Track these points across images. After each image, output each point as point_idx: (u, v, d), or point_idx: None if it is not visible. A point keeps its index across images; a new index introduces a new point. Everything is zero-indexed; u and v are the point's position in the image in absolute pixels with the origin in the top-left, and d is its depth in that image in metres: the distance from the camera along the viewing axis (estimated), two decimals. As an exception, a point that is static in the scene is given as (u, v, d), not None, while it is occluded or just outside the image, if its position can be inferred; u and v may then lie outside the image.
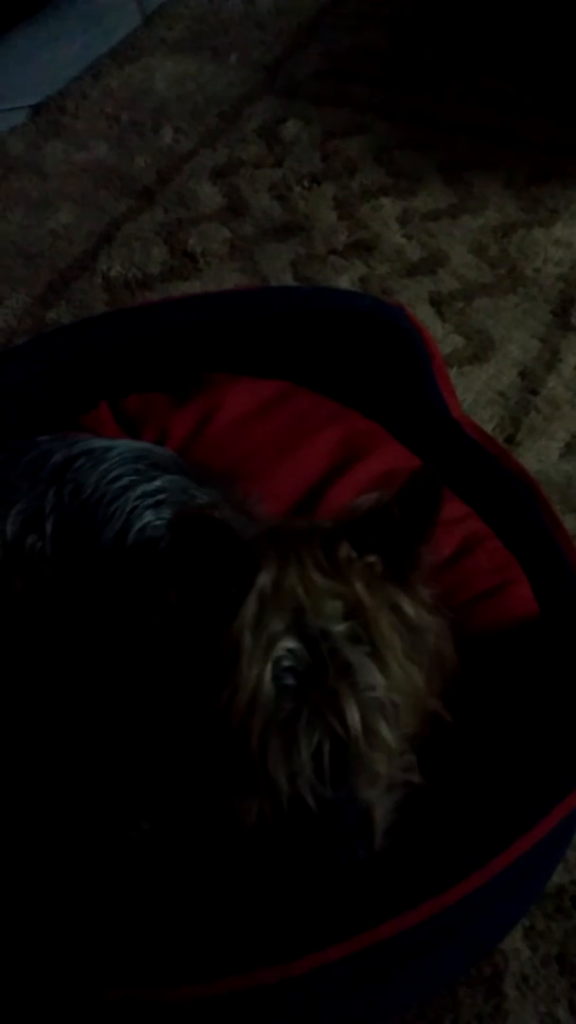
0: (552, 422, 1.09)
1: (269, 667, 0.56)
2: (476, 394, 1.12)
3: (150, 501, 0.73)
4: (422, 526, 0.59)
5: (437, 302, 1.22)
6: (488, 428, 1.06)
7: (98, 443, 0.79)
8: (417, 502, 0.59)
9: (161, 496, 0.73)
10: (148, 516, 0.72)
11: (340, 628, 0.58)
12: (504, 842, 0.63)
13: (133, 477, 0.75)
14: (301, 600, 0.58)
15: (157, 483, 0.74)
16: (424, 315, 1.18)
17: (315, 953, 0.60)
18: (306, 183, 1.39)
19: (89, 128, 1.50)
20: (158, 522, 0.71)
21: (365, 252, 1.29)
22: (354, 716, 0.56)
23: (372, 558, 0.59)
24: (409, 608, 0.60)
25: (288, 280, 1.26)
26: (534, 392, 1.12)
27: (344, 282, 1.25)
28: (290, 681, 0.57)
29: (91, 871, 0.67)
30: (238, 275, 1.27)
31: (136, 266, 1.29)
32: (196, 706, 0.58)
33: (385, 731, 0.58)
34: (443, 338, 1.16)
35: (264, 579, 0.58)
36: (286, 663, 0.57)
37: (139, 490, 0.74)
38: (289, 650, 0.57)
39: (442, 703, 0.62)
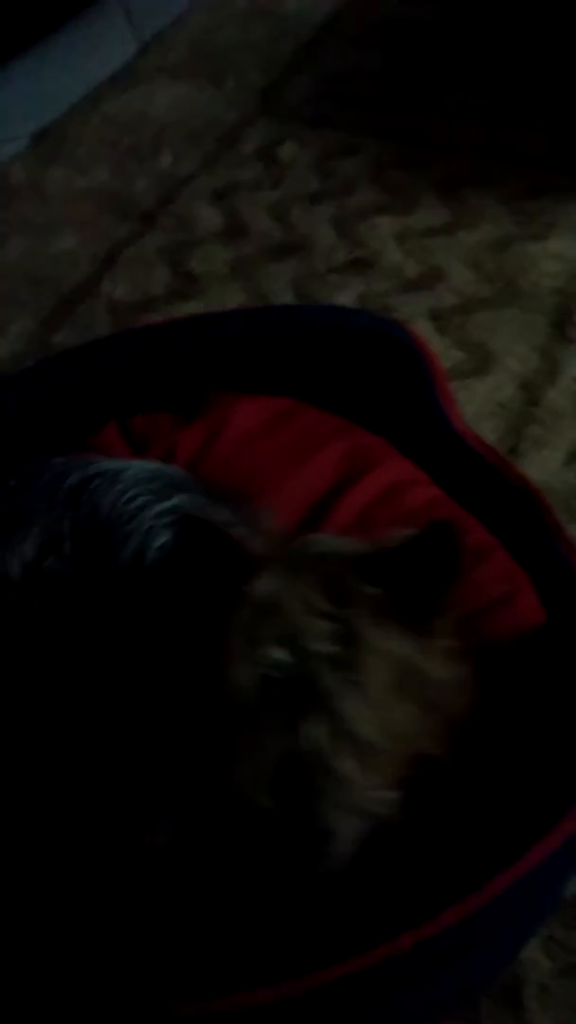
0: (553, 433, 1.10)
1: (252, 671, 0.57)
2: (477, 407, 1.13)
3: (167, 520, 0.73)
4: (444, 575, 0.59)
5: (436, 317, 1.23)
6: (490, 440, 1.06)
7: (112, 464, 0.80)
8: (437, 551, 0.59)
9: (177, 515, 0.74)
10: (165, 535, 0.73)
11: (328, 651, 0.57)
12: (519, 851, 0.63)
13: (148, 497, 0.76)
14: (296, 616, 0.58)
15: (173, 502, 0.75)
16: (424, 330, 1.18)
17: (337, 964, 0.59)
18: (304, 203, 1.40)
19: (89, 154, 1.52)
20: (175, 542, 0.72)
21: (364, 270, 1.30)
22: (315, 740, 0.56)
23: (376, 591, 0.59)
24: (411, 650, 0.59)
25: (288, 299, 1.27)
26: (535, 404, 1.13)
27: (344, 299, 1.26)
28: (273, 691, 0.57)
29: (102, 880, 0.67)
30: (239, 295, 1.28)
31: (139, 288, 1.30)
32: (193, 706, 0.59)
33: (351, 763, 0.57)
34: (443, 352, 1.17)
35: (262, 588, 0.58)
36: (270, 672, 0.57)
37: (155, 509, 0.75)
38: (276, 660, 0.57)
39: (441, 746, 0.61)
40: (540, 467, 1.07)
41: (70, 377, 1.00)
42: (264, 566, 0.60)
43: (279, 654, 0.57)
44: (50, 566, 0.74)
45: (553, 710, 0.72)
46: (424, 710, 0.60)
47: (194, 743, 0.60)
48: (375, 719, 0.57)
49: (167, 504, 0.76)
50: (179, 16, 1.75)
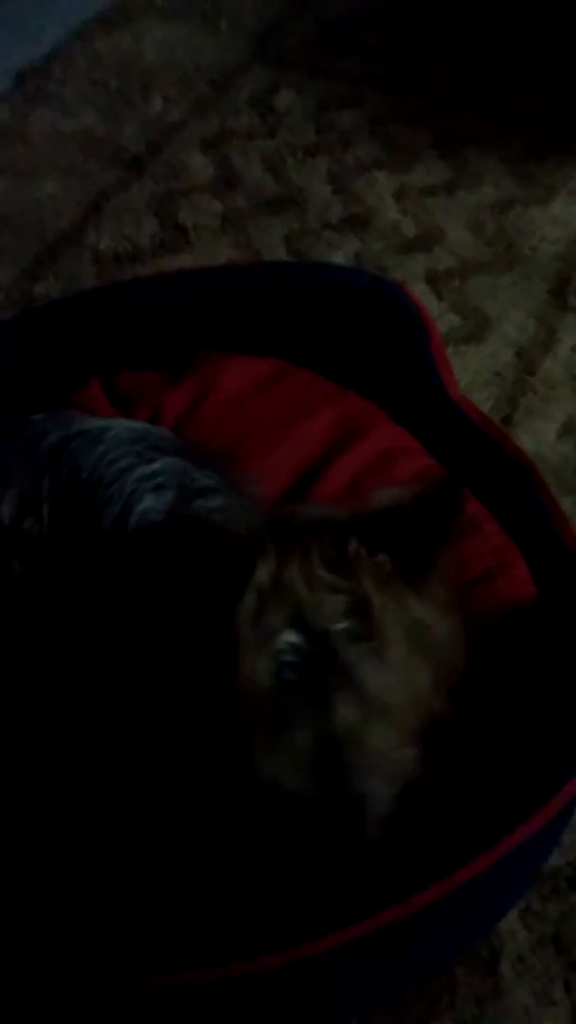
0: (549, 403, 1.09)
1: (267, 661, 0.55)
2: (473, 374, 1.11)
3: (149, 484, 0.71)
4: (441, 529, 0.58)
5: (433, 279, 1.20)
6: (485, 408, 1.04)
7: (94, 423, 0.77)
8: (437, 507, 0.58)
9: (160, 479, 0.71)
10: (149, 500, 0.70)
11: (342, 625, 0.57)
12: (505, 828, 0.63)
13: (132, 459, 0.73)
14: (302, 595, 0.57)
15: (156, 465, 0.72)
16: (419, 292, 1.15)
17: (312, 941, 0.59)
18: (299, 155, 1.36)
19: (76, 95, 1.46)
20: (160, 506, 0.70)
21: (360, 227, 1.27)
22: (348, 717, 0.55)
23: (382, 556, 0.58)
24: (419, 609, 0.59)
25: (281, 255, 1.24)
26: (531, 372, 1.12)
27: (339, 258, 1.23)
28: (291, 676, 0.56)
29: (92, 854, 0.66)
30: (230, 249, 1.24)
31: (126, 239, 1.26)
32: (197, 699, 0.58)
33: (382, 731, 0.56)
34: (439, 316, 1.15)
35: (263, 573, 0.57)
36: (286, 658, 0.56)
37: (138, 472, 0.72)
38: (290, 644, 0.56)
39: (449, 704, 0.61)
40: (534, 438, 1.06)
41: (53, 330, 0.97)
42: (259, 547, 0.58)
43: (292, 638, 0.56)
44: (28, 528, 0.72)
45: (541, 684, 0.72)
46: (434, 666, 0.60)
47: (198, 741, 0.59)
48: (398, 684, 0.57)
49: (151, 468, 0.73)
50: (172, -48, 1.68)
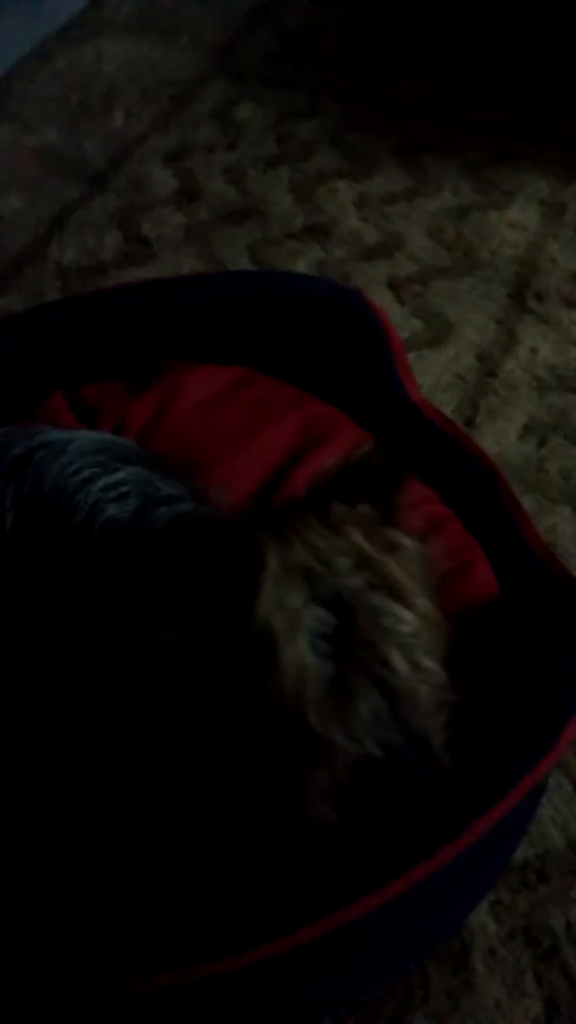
0: (510, 404, 1.10)
1: (304, 641, 0.56)
2: (435, 377, 1.12)
3: (113, 494, 0.71)
4: (399, 472, 0.62)
5: (395, 285, 1.21)
6: (447, 411, 1.06)
7: (58, 435, 0.77)
8: (391, 453, 0.61)
9: (124, 488, 0.72)
10: (112, 510, 0.71)
11: (356, 582, 0.58)
12: (469, 819, 0.64)
13: (95, 469, 0.73)
14: (312, 568, 0.58)
15: (119, 475, 0.72)
16: (382, 299, 1.17)
17: (282, 938, 0.59)
18: (261, 167, 1.37)
19: (37, 112, 1.47)
20: (123, 515, 0.70)
21: (322, 236, 1.28)
22: (397, 659, 0.57)
23: (363, 508, 0.60)
24: (407, 543, 0.61)
25: (245, 265, 1.24)
26: (492, 375, 1.13)
27: (301, 266, 1.24)
28: (325, 647, 0.57)
29: (93, 858, 0.66)
30: (193, 260, 1.25)
31: (89, 252, 1.27)
32: (238, 702, 0.58)
33: (427, 663, 0.59)
34: (401, 322, 1.16)
35: (272, 560, 0.58)
36: (317, 632, 0.57)
37: (101, 483, 0.72)
38: (316, 618, 0.57)
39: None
40: (496, 439, 1.07)
41: (16, 343, 0.97)
42: (257, 538, 0.59)
43: (318, 612, 0.57)
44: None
45: (504, 679, 0.73)
46: (431, 593, 0.62)
47: (240, 737, 0.59)
48: (423, 617, 0.60)
49: (114, 477, 0.73)
50: (131, -32, 1.69)
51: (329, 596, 0.58)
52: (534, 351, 1.15)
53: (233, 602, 0.57)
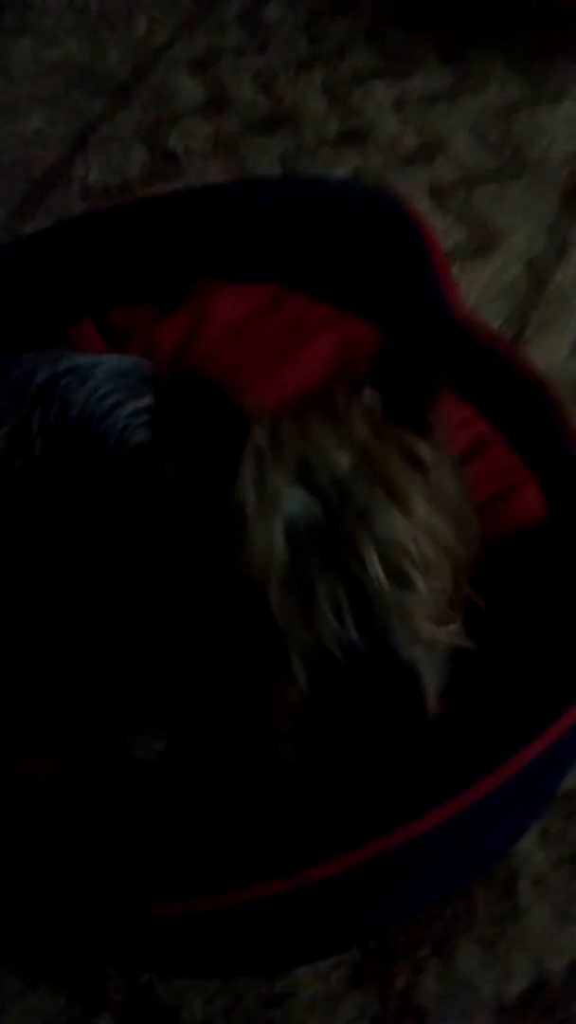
0: (561, 317, 1.05)
1: (278, 524, 0.53)
2: (481, 290, 1.07)
3: (142, 419, 0.69)
4: (428, 378, 0.56)
5: (437, 192, 1.16)
6: (495, 325, 1.02)
7: (83, 359, 0.75)
8: (418, 357, 0.55)
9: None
10: (141, 434, 0.69)
11: (350, 474, 0.54)
12: (517, 745, 0.62)
13: (122, 394, 0.71)
14: (303, 451, 0.54)
15: (148, 400, 0.70)
16: (423, 207, 1.11)
17: (327, 862, 0.58)
18: (292, 70, 1.31)
19: (57, 23, 1.41)
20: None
21: (359, 142, 1.22)
22: (373, 559, 0.52)
23: (368, 392, 0.56)
24: (422, 449, 0.56)
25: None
26: (542, 285, 1.07)
27: (337, 175, 1.18)
28: (304, 536, 0.53)
29: (97, 785, 0.66)
30: (224, 173, 1.20)
31: (115, 170, 1.23)
32: (209, 579, 0.55)
33: (414, 575, 0.54)
34: (444, 231, 1.10)
35: (260, 434, 0.55)
36: (297, 518, 0.53)
37: (129, 407, 0.70)
38: (300, 504, 0.53)
39: (472, 560, 0.58)
40: (546, 354, 1.02)
41: (40, 264, 0.94)
42: (253, 414, 0.56)
43: (301, 496, 0.54)
44: (20, 467, 0.70)
45: (552, 604, 0.70)
46: (449, 517, 0.57)
47: (213, 621, 0.56)
48: (421, 529, 0.54)
49: (142, 402, 0.71)
50: None
51: (319, 483, 0.54)
52: (588, 258, 1.09)
53: (216, 473, 0.54)
